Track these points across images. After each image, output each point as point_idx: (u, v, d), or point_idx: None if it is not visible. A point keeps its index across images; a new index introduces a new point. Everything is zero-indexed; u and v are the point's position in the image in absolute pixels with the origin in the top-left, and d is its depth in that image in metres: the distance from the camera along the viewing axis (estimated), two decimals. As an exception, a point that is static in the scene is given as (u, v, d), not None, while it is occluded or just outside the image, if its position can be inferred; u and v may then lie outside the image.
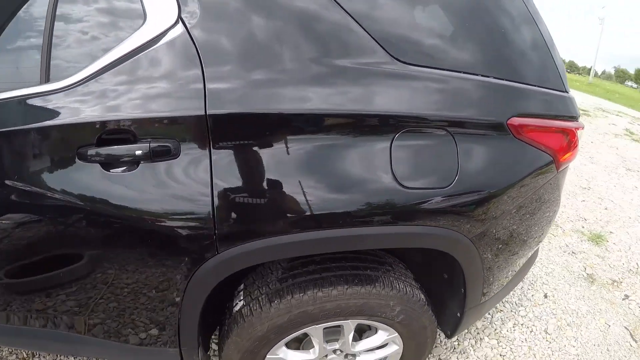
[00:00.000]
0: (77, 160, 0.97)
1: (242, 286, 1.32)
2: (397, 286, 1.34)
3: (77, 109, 0.96)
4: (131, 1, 1.01)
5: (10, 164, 0.99)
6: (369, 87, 1.05)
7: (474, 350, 2.49)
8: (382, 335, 1.50)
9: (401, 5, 1.12)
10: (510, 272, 1.62)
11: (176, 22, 0.97)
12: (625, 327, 2.92)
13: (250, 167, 1.02)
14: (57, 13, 0.98)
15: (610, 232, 4.35)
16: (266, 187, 1.02)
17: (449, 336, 1.75)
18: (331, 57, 1.03)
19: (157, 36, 0.97)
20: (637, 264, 3.80)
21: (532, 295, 3.10)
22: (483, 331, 2.65)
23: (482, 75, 1.19)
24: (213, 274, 1.10)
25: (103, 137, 0.97)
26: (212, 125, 0.96)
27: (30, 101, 0.97)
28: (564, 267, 3.55)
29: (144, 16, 0.98)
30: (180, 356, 1.30)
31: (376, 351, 1.58)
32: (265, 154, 1.01)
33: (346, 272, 1.29)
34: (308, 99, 1.00)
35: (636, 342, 2.82)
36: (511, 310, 2.87)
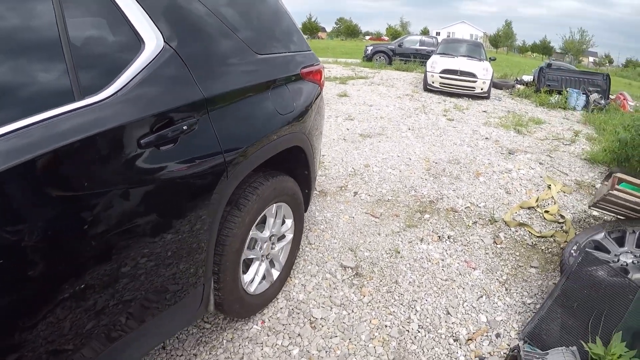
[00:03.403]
0: (138, 149, 1.66)
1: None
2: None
3: (127, 112, 1.63)
4: (127, 32, 1.76)
5: (81, 172, 1.51)
6: (257, 68, 2.50)
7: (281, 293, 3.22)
8: (288, 223, 3.00)
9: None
10: (319, 155, 3.54)
11: (164, 46, 1.86)
12: (366, 212, 4.23)
13: (228, 119, 2.17)
14: (71, 41, 1.54)
15: (323, 155, 5.92)
16: (240, 129, 2.27)
17: (305, 210, 3.26)
18: (236, 57, 2.36)
19: (157, 55, 1.82)
20: (352, 168, 5.43)
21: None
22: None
23: (285, 52, 2.88)
24: (226, 191, 2.15)
25: (157, 126, 1.75)
26: (207, 102, 2.01)
27: (79, 115, 1.49)
28: (297, 196, 4.79)
29: (141, 43, 1.78)
30: (202, 292, 2.19)
31: (282, 242, 2.99)
32: (234, 111, 2.24)
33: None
34: (241, 77, 2.35)
35: (377, 217, 4.14)
36: (269, 243, 3.78)
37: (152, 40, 1.83)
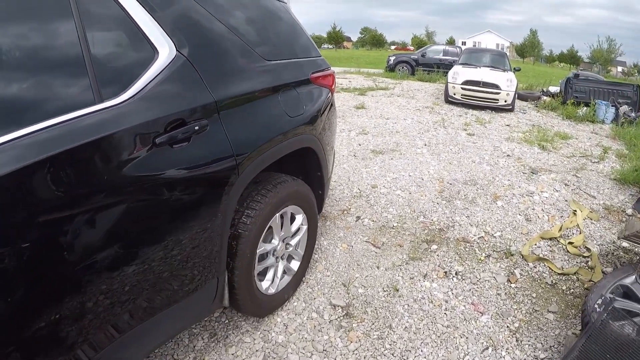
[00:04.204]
0: (154, 147, 1.79)
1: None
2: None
3: (142, 114, 1.77)
4: (142, 42, 1.90)
5: (103, 166, 1.65)
6: (266, 73, 2.60)
7: (268, 317, 2.84)
8: (304, 233, 3.10)
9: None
10: (332, 159, 3.63)
11: (176, 54, 2.00)
12: (366, 241, 3.82)
13: (238, 121, 2.28)
14: (91, 52, 1.68)
15: (328, 173, 5.75)
16: (250, 130, 2.38)
17: (319, 211, 3.43)
18: (251, 62, 2.52)
19: (169, 63, 1.95)
20: (358, 189, 5.02)
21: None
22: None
23: (294, 58, 3.00)
24: (237, 189, 2.25)
25: (171, 126, 1.88)
26: (218, 105, 2.13)
27: (98, 116, 1.64)
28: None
29: (155, 51, 1.92)
30: (216, 286, 2.29)
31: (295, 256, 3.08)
32: (244, 113, 2.35)
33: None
34: (250, 82, 2.45)
35: (379, 247, 3.73)
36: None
37: (165, 49, 1.97)
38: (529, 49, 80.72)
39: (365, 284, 3.25)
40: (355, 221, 4.25)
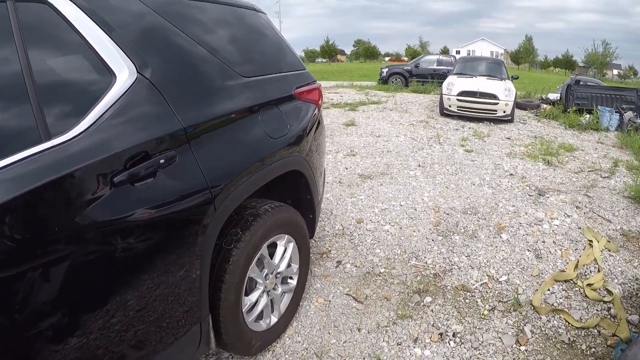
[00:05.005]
0: (113, 187, 1.60)
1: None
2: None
3: (98, 149, 1.57)
4: (97, 65, 1.72)
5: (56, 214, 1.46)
6: (243, 91, 2.40)
7: None
8: (294, 266, 2.84)
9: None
10: (322, 179, 3.41)
11: (137, 76, 1.81)
12: (347, 294, 3.22)
13: (212, 148, 2.09)
14: (35, 79, 1.47)
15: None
16: (227, 157, 2.18)
17: (311, 237, 3.17)
18: (225, 80, 2.31)
19: (129, 87, 1.76)
20: (341, 225, 4.40)
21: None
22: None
23: (275, 74, 2.77)
24: (215, 226, 2.07)
25: (131, 162, 1.68)
26: (188, 132, 1.94)
27: (46, 156, 1.43)
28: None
29: (112, 76, 1.73)
30: (200, 331, 2.11)
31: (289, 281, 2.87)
32: (219, 138, 2.15)
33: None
34: (225, 103, 2.25)
35: (362, 302, 3.11)
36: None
37: (124, 72, 1.76)
38: (524, 55, 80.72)
39: (342, 352, 2.65)
40: (336, 267, 3.63)
